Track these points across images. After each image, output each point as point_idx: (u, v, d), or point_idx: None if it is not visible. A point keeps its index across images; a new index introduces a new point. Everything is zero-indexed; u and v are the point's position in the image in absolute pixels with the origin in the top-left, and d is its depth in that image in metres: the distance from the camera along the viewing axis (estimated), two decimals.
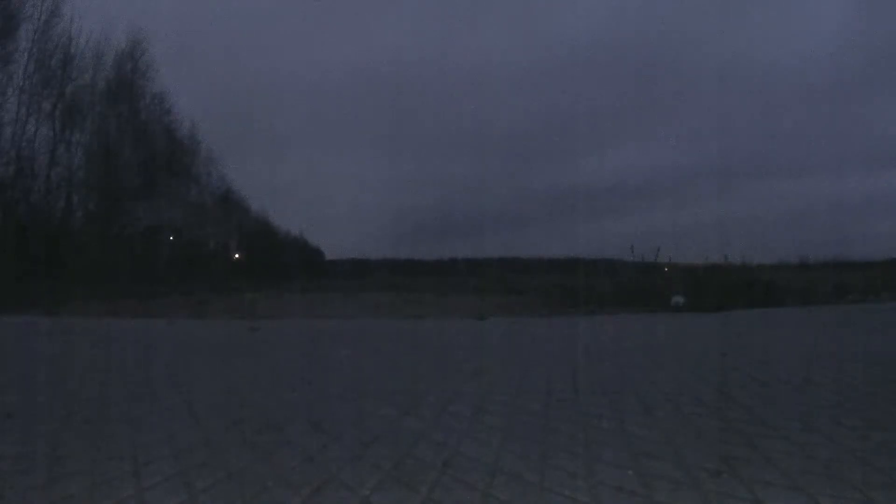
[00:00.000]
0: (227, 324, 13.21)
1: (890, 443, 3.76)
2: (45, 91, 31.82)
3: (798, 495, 3.03)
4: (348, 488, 3.10)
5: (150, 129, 34.88)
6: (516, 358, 7.41)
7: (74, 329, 11.65)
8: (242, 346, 8.94)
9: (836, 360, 6.99)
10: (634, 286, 21.89)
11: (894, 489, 3.08)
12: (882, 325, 11.65)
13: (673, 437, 3.95)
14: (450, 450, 3.68)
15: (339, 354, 7.88)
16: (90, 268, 29.47)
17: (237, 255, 35.06)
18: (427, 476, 3.26)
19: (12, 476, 3.26)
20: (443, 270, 35.07)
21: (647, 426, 4.21)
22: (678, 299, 18.18)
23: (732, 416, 4.46)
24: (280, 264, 33.98)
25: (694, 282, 21.90)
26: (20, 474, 3.30)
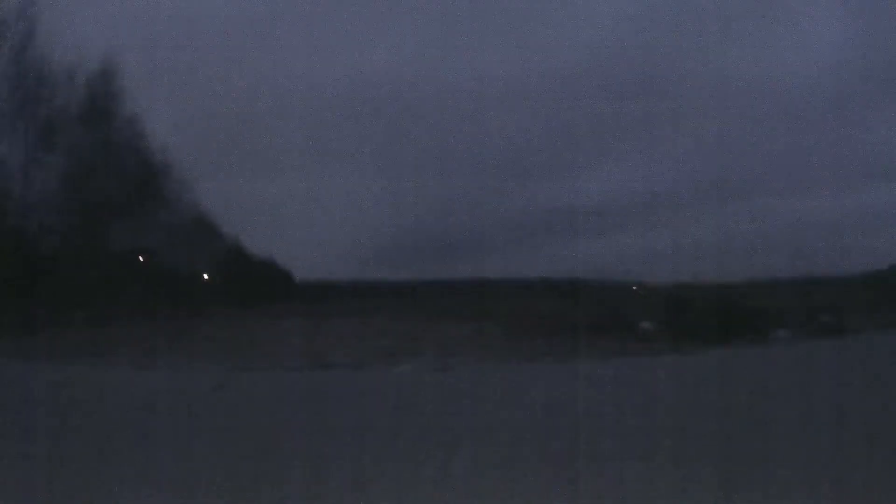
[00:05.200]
0: (188, 375, 12.28)
1: None
2: (18, 113, 31.73)
3: None
4: None
5: (124, 152, 34.52)
6: None
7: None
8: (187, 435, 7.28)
9: None
10: (603, 309, 21.51)
11: None
12: None
13: None
14: None
15: None
16: (64, 291, 29.13)
17: (206, 277, 34.49)
18: None
19: None
20: (421, 291, 34.71)
21: None
22: (646, 325, 17.94)
23: None
24: (247, 286, 33.55)
25: (667, 304, 21.58)
26: None
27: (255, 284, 35.70)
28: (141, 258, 31.07)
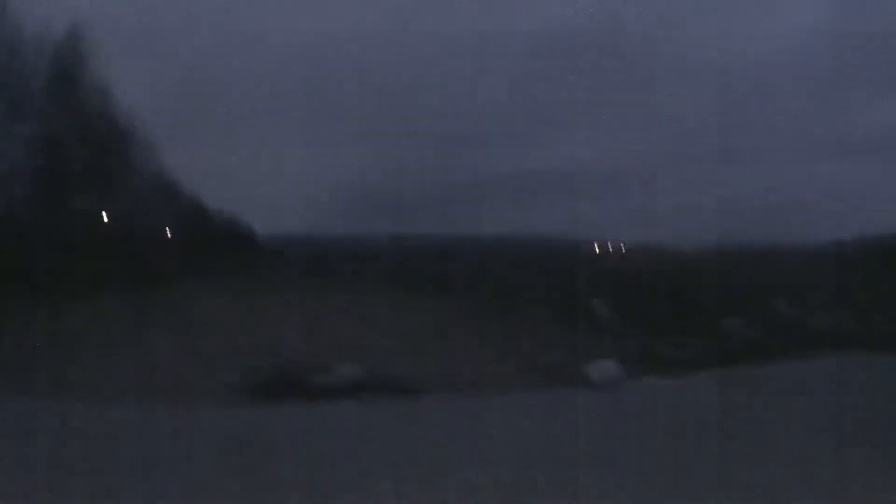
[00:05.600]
0: None
1: None
2: None
3: None
4: None
5: (93, 119, 33.72)
6: None
7: None
8: None
9: None
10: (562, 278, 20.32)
11: None
12: None
13: None
14: None
15: None
16: (35, 264, 27.85)
17: (170, 237, 33.53)
18: None
19: None
20: (378, 252, 33.72)
21: None
22: (601, 309, 16.39)
23: None
24: (212, 249, 32.60)
25: (622, 279, 20.16)
26: None
27: (218, 243, 33.62)
28: (105, 219, 30.03)
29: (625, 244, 24.25)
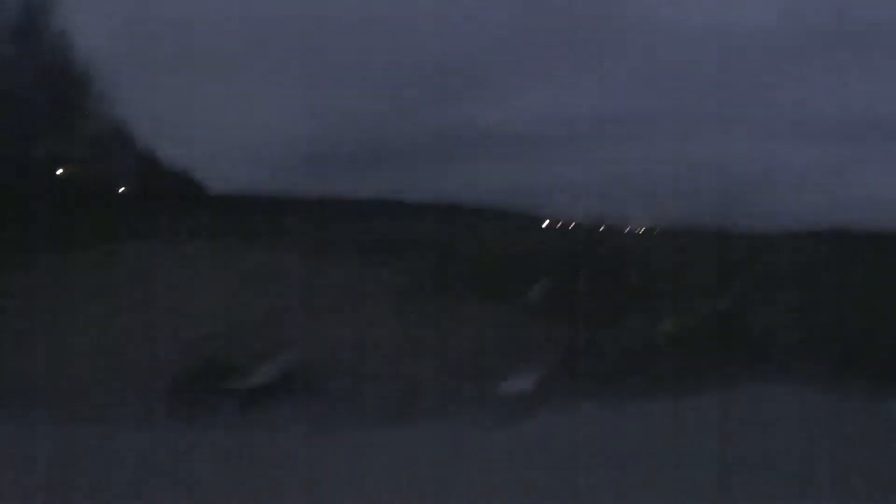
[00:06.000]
0: None
1: None
2: None
3: None
4: None
5: (52, 68, 33.22)
6: None
7: None
8: None
9: None
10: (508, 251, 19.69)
11: None
12: None
13: None
14: None
15: None
16: None
17: (122, 189, 33.25)
18: None
19: None
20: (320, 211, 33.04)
21: None
22: (537, 289, 15.27)
23: None
24: (160, 200, 32.28)
25: (567, 255, 19.45)
26: None
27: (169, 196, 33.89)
28: (61, 170, 29.56)
29: (560, 219, 23.66)
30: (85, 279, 15.41)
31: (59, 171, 31.38)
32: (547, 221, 25.08)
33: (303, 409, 7.78)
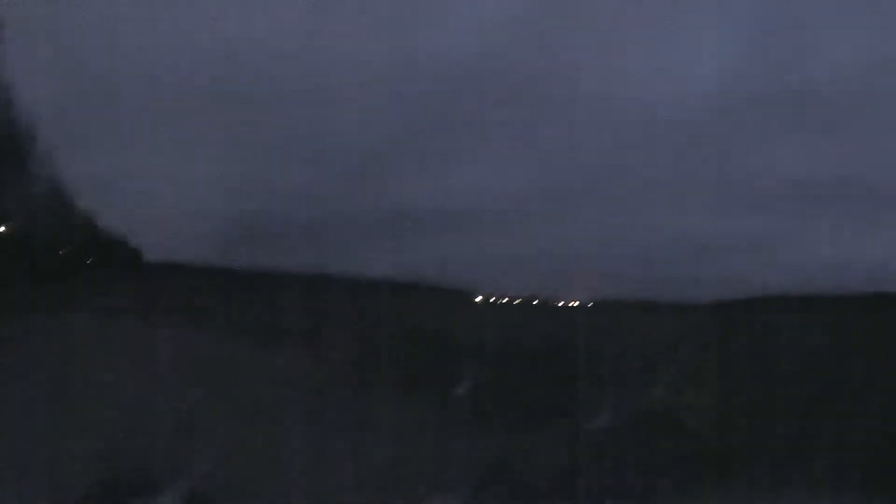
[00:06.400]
0: None
1: None
2: None
3: None
4: None
5: None
6: None
7: None
8: None
9: None
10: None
11: None
12: None
13: None
14: None
15: None
16: None
17: (61, 252, 31.99)
18: None
19: None
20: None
21: None
22: (461, 390, 12.98)
23: None
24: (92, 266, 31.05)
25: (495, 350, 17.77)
26: None
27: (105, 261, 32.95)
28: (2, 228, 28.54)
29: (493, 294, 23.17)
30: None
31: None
32: (479, 297, 24.60)
33: None
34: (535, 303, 24.67)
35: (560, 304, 24.00)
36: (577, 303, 25.31)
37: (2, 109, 33.31)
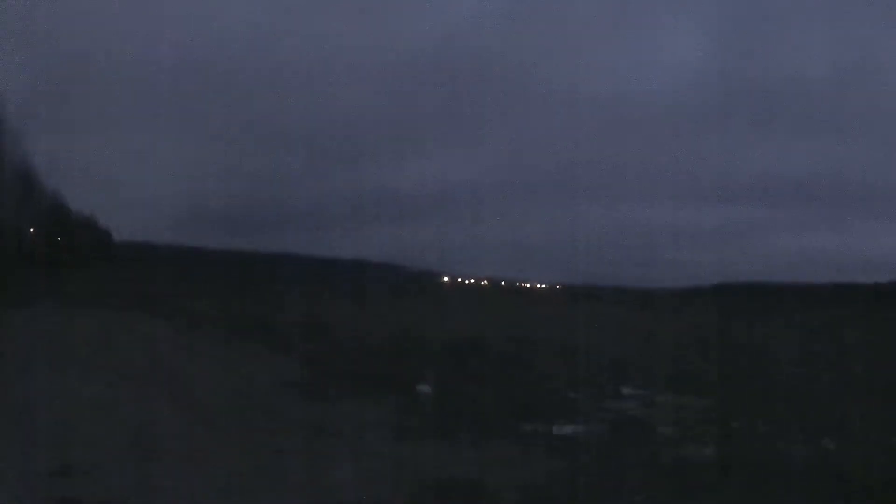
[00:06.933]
0: None
1: None
2: None
3: None
4: None
5: None
6: None
7: None
8: None
9: None
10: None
11: None
12: None
13: None
14: None
15: None
16: None
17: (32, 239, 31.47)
18: None
19: None
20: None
21: None
22: (425, 388, 11.34)
23: None
24: (69, 250, 30.57)
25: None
26: None
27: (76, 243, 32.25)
28: None
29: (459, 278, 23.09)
30: None
31: None
32: (445, 279, 24.51)
33: None
34: (503, 286, 24.71)
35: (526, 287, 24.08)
36: (544, 286, 25.41)
37: None
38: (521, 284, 24.84)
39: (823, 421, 9.66)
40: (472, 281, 24.25)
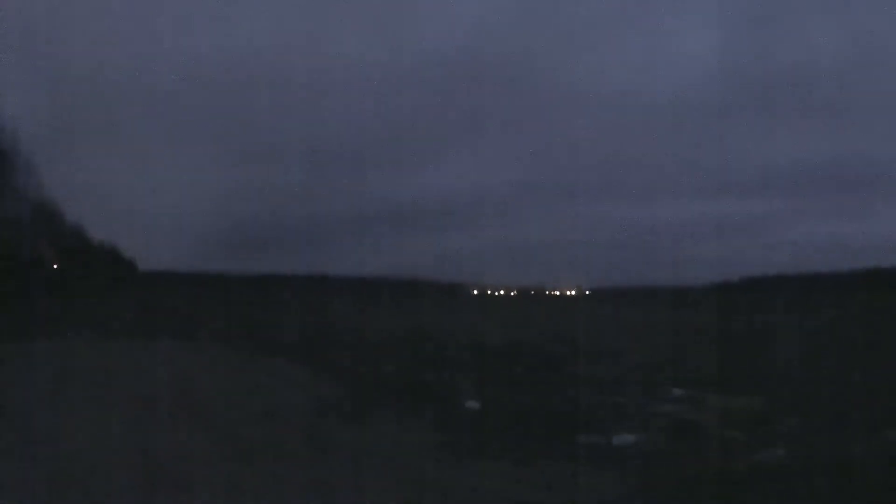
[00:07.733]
0: None
1: None
2: None
3: None
4: None
5: None
6: None
7: None
8: None
9: None
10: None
11: None
12: None
13: None
14: None
15: None
16: None
17: (53, 266, 31.70)
18: None
19: None
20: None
21: None
22: (473, 404, 10.67)
23: None
24: (88, 279, 30.59)
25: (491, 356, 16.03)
26: None
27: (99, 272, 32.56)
28: None
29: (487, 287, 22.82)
30: None
31: None
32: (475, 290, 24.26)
33: None
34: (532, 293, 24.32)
35: (556, 294, 23.64)
36: (573, 291, 25.01)
37: None
38: (550, 291, 24.49)
39: (884, 412, 9.26)
40: (503, 291, 24.01)
